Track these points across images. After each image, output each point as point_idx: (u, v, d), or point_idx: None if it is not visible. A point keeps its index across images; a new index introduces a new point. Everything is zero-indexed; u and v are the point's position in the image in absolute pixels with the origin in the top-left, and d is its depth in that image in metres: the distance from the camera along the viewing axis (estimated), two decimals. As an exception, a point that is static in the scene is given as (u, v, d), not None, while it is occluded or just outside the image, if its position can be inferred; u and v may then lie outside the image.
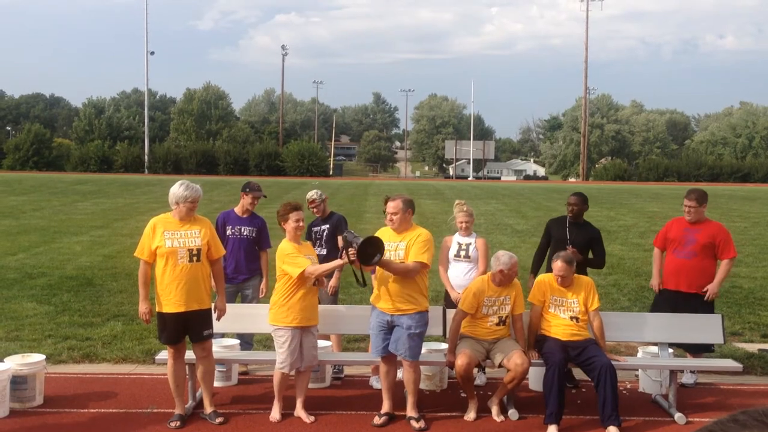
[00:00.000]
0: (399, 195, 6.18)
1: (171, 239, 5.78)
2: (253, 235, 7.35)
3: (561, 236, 7.25)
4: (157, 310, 5.91)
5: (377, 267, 5.96)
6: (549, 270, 6.90)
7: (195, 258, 5.80)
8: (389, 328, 5.94)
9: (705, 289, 7.01)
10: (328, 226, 7.43)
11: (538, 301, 6.37)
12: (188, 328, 5.92)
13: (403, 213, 5.96)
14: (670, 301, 7.03)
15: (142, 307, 5.94)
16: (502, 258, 6.26)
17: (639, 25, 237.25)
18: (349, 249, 5.74)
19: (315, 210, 7.44)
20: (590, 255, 7.25)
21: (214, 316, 6.11)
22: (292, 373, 6.12)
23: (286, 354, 6.02)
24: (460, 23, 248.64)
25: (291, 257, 6.00)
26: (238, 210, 7.43)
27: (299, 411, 6.04)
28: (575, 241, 7.09)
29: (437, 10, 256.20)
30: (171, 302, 5.79)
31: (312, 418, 5.97)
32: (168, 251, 5.76)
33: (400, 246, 5.87)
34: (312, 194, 7.51)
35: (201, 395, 6.37)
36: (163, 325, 5.90)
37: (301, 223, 6.12)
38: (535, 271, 7.42)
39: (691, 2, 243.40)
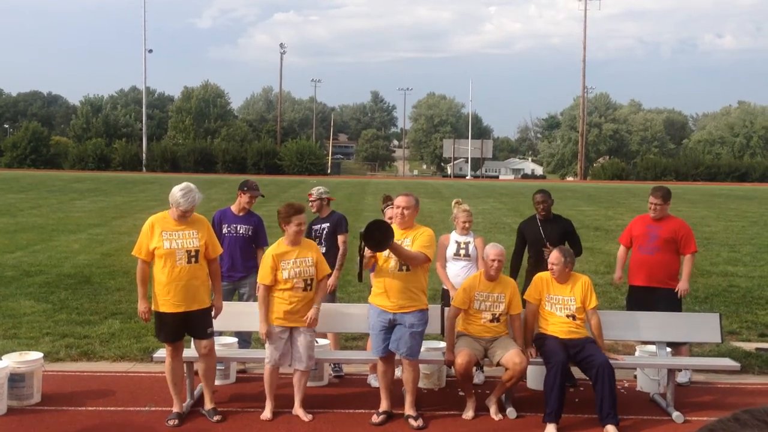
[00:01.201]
0: (409, 192, 6.23)
1: (169, 240, 5.77)
2: (249, 233, 7.36)
3: (535, 236, 7.35)
4: (154, 309, 5.90)
5: (376, 265, 5.97)
6: (533, 270, 6.95)
7: (193, 259, 5.80)
8: (390, 327, 5.94)
9: (676, 290, 7.06)
10: (328, 224, 7.46)
11: (534, 300, 6.40)
12: (189, 328, 5.92)
13: (413, 210, 6.01)
14: (639, 297, 7.12)
15: (141, 306, 5.94)
16: (488, 248, 6.39)
17: (637, 24, 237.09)
18: (364, 249, 5.70)
19: (311, 205, 7.50)
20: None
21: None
22: (289, 369, 6.12)
23: (271, 350, 6.06)
24: (459, 22, 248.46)
25: (265, 263, 6.08)
26: (234, 208, 7.45)
27: (297, 409, 6.04)
28: (551, 238, 7.18)
29: (436, 9, 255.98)
30: (169, 303, 5.79)
31: (310, 417, 5.97)
32: (166, 252, 5.75)
33: (406, 242, 5.88)
34: (314, 189, 7.65)
35: (199, 393, 6.37)
36: (161, 323, 5.89)
37: (302, 227, 6.13)
38: (513, 276, 7.43)
39: (690, 1, 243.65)
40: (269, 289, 6.05)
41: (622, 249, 7.55)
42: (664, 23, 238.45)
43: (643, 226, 7.28)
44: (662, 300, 6.99)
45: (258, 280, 6.18)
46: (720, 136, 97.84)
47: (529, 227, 7.51)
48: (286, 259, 6.03)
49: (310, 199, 7.55)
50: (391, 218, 6.82)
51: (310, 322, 6.11)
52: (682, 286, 7.12)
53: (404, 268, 5.88)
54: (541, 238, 7.26)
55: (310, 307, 6.10)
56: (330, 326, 6.85)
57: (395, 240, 5.79)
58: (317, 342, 6.57)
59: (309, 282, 6.07)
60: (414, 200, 6.08)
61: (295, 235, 6.09)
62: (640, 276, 7.16)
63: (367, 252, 5.74)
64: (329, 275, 6.40)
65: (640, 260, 7.18)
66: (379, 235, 5.56)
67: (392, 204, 6.95)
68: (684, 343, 7.20)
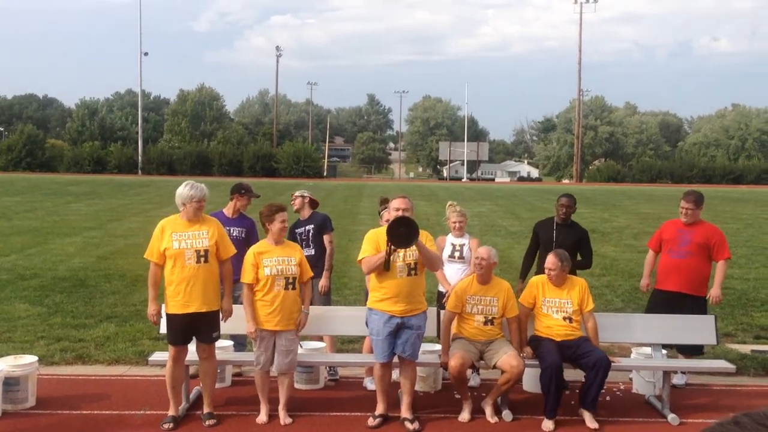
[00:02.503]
0: (405, 194, 6.26)
1: (178, 240, 5.79)
2: (242, 236, 7.35)
3: (548, 238, 7.27)
4: (165, 310, 5.91)
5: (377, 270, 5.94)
6: (539, 273, 6.94)
7: (203, 259, 5.80)
8: (396, 331, 5.93)
9: (708, 296, 7.05)
10: (312, 225, 7.44)
11: (527, 303, 6.42)
12: (196, 330, 5.92)
13: (411, 212, 6.01)
14: (664, 301, 7.04)
15: (151, 308, 5.95)
16: (479, 250, 6.42)
17: (634, 28, 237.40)
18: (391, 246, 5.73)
19: (293, 202, 7.53)
20: (578, 257, 7.24)
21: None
22: (274, 373, 6.11)
23: (258, 354, 6.07)
24: (456, 25, 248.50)
25: (247, 261, 6.07)
26: (227, 211, 7.46)
27: (279, 411, 6.04)
28: (563, 243, 7.07)
29: (433, 12, 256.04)
30: (178, 303, 5.80)
31: (289, 420, 5.97)
32: (175, 253, 5.77)
33: (412, 247, 5.86)
34: (297, 191, 7.64)
35: (194, 397, 6.37)
36: (171, 325, 5.90)
37: (286, 224, 6.17)
38: (523, 276, 7.44)
39: (686, 5, 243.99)
40: (252, 288, 6.04)
41: (650, 254, 7.41)
42: (660, 26, 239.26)
43: (675, 230, 7.16)
44: (692, 309, 6.88)
45: (241, 280, 6.18)
46: (715, 138, 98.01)
47: (543, 229, 7.43)
48: (268, 256, 6.03)
49: (293, 198, 7.57)
50: (388, 221, 6.81)
51: (300, 326, 6.14)
52: (714, 293, 7.07)
53: (413, 272, 5.89)
54: (551, 241, 7.18)
55: (294, 310, 6.08)
56: (326, 329, 6.84)
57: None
58: (301, 346, 6.55)
59: (291, 281, 6.01)
60: (411, 202, 6.11)
61: (279, 232, 6.08)
62: (670, 280, 7.04)
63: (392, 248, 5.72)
64: (312, 278, 6.36)
65: (671, 264, 7.05)
66: (404, 231, 5.57)
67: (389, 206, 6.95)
68: (701, 350, 7.15)
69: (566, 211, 7.32)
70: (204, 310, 5.83)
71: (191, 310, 5.79)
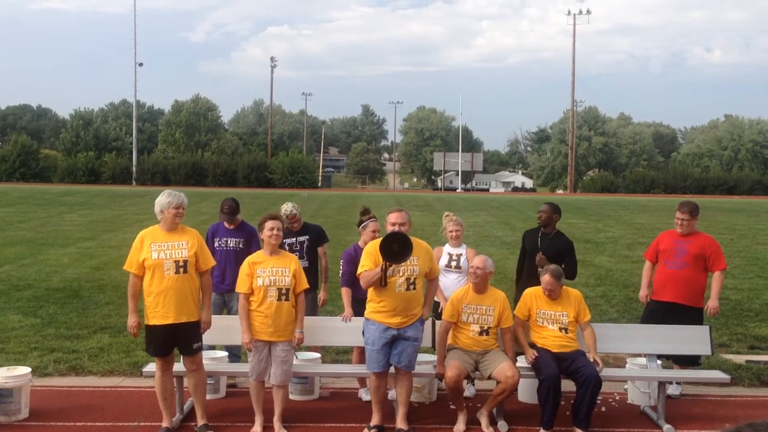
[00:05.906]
0: (400, 207, 6.24)
1: (157, 251, 5.76)
2: (240, 246, 7.34)
3: (533, 246, 7.42)
4: (145, 322, 5.87)
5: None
6: (528, 279, 6.97)
7: (182, 270, 5.77)
8: (392, 341, 5.92)
9: (705, 308, 7.06)
10: (307, 237, 7.39)
11: (522, 315, 6.44)
12: (177, 341, 5.88)
13: (409, 225, 5.99)
14: (660, 312, 7.05)
15: (131, 320, 5.91)
16: (475, 259, 6.42)
17: (628, 39, 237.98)
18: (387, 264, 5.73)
19: (295, 225, 7.41)
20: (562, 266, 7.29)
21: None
22: (269, 384, 6.09)
23: (253, 364, 6.04)
24: (451, 36, 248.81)
25: (242, 271, 6.06)
26: (226, 222, 7.47)
27: (274, 422, 6.02)
28: (545, 251, 7.23)
29: (428, 24, 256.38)
30: (158, 314, 5.76)
31: None
32: (154, 263, 5.74)
33: (413, 260, 5.85)
34: (290, 209, 7.40)
35: (188, 408, 6.34)
36: (151, 337, 5.86)
37: (275, 232, 6.03)
38: (518, 282, 7.57)
39: (680, 16, 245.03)
40: (248, 298, 6.01)
41: (647, 264, 7.43)
42: (654, 38, 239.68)
43: (671, 240, 7.18)
44: (688, 320, 6.87)
45: (236, 289, 6.14)
46: (708, 149, 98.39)
47: (530, 236, 7.57)
48: (262, 267, 5.99)
49: (294, 219, 7.39)
50: (374, 231, 6.80)
51: (297, 343, 6.12)
52: (712, 304, 7.10)
53: (412, 287, 5.88)
54: (536, 248, 7.30)
55: (289, 321, 6.03)
56: (320, 340, 6.83)
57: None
58: (296, 357, 6.53)
59: (284, 292, 5.96)
60: (408, 215, 6.09)
61: (267, 240, 6.05)
62: (666, 291, 7.05)
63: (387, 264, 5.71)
64: (309, 290, 6.34)
65: (668, 275, 7.06)
66: (397, 248, 5.55)
67: (374, 218, 6.95)
68: (697, 361, 7.15)
69: (540, 216, 7.48)
70: (183, 320, 5.78)
71: (170, 321, 5.75)
